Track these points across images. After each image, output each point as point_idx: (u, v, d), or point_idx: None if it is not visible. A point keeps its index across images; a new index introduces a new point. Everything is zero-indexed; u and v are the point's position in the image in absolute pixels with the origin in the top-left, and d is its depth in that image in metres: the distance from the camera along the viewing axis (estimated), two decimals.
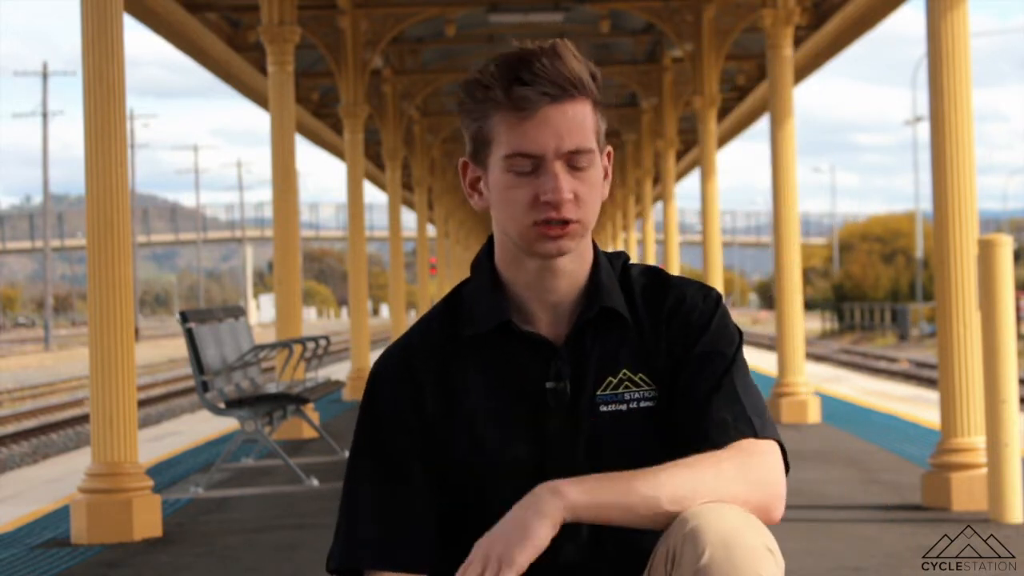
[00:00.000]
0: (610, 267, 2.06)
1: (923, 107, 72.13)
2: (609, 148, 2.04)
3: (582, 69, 1.95)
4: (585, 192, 1.95)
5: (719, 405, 1.97)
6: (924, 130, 58.09)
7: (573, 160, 1.94)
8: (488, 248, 2.08)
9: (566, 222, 1.93)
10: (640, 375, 2.01)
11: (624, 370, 2.01)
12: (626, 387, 2.00)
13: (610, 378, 2.00)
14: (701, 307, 2.03)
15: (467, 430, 2.00)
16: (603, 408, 1.99)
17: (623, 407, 1.99)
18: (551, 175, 1.93)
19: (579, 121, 1.94)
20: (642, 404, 2.00)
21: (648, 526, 1.87)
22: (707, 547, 1.79)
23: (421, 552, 1.99)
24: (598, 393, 1.99)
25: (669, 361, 2.01)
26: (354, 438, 2.07)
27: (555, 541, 1.88)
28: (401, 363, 2.05)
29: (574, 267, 2.01)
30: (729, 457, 1.91)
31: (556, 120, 1.93)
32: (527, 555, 1.82)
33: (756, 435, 1.96)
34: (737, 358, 2.02)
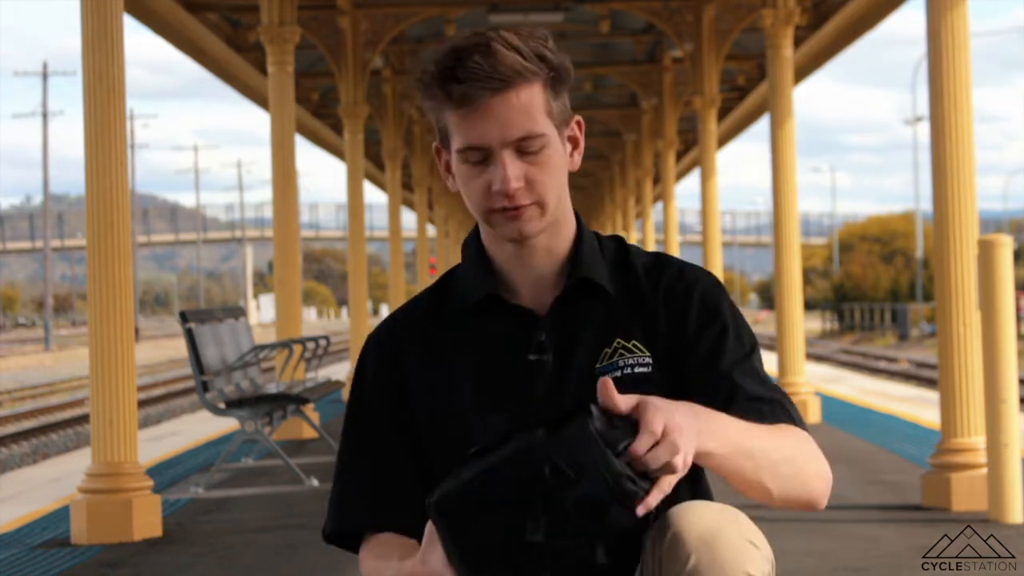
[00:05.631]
0: (596, 243, 2.08)
1: (922, 107, 72.13)
2: (578, 118, 2.04)
3: (518, 58, 1.93)
4: (539, 175, 1.96)
5: (744, 380, 1.98)
6: (925, 130, 58.08)
7: (523, 146, 1.95)
8: (476, 228, 2.11)
9: (519, 207, 1.96)
10: (634, 342, 2.02)
11: (618, 339, 2.02)
12: (620, 355, 2.02)
13: (605, 349, 2.02)
14: (704, 282, 2.06)
15: (452, 399, 2.04)
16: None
17: (617, 373, 2.01)
18: (499, 166, 1.95)
19: (525, 107, 1.94)
20: (636, 370, 2.01)
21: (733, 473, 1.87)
22: (691, 552, 1.79)
23: (409, 514, 2.02)
24: (597, 366, 2.01)
25: (675, 335, 2.02)
26: (346, 408, 2.12)
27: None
28: (389, 335, 2.11)
29: (550, 243, 2.04)
30: (805, 439, 1.94)
31: (500, 110, 1.94)
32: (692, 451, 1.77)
33: (795, 423, 1.97)
34: (755, 347, 2.05)
